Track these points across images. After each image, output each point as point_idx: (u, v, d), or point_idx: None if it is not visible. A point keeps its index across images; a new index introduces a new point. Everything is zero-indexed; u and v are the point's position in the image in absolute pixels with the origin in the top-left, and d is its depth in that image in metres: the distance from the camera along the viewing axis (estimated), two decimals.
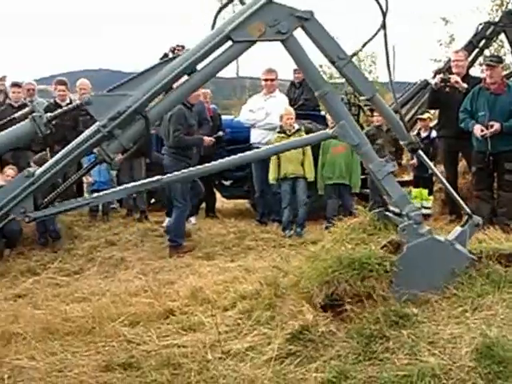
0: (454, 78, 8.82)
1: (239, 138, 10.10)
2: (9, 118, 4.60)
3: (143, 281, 6.59)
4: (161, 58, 12.75)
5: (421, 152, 4.96)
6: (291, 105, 10.11)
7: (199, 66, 4.44)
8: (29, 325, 5.17)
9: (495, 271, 4.27)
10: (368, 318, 3.91)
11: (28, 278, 7.26)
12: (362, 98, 4.76)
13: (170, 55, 12.75)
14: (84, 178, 10.62)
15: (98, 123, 4.31)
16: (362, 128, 9.07)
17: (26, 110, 4.49)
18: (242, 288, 5.30)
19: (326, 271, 4.28)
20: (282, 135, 9.03)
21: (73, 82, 11.07)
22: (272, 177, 9.14)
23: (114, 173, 10.50)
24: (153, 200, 11.34)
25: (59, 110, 4.50)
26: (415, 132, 10.08)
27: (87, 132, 4.38)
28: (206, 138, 9.43)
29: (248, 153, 5.26)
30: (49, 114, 4.33)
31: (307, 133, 8.88)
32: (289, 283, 4.87)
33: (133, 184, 4.76)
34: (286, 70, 10.72)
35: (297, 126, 9.15)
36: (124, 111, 4.28)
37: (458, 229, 4.72)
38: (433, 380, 3.26)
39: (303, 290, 4.45)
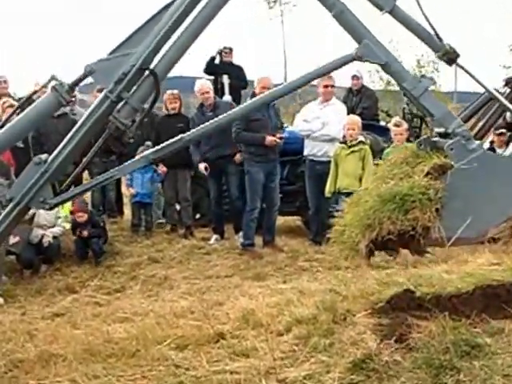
0: None
1: (292, 150, 10.11)
2: (28, 95, 4.73)
3: (189, 301, 6.69)
4: (208, 62, 12.97)
5: (459, 62, 4.70)
6: (348, 114, 10.05)
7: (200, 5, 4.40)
8: (68, 345, 5.30)
9: None
10: (436, 347, 3.90)
11: (66, 296, 7.48)
12: (381, 12, 4.53)
13: (218, 59, 12.97)
14: (126, 190, 10.91)
15: (105, 90, 4.36)
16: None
17: (45, 81, 4.61)
18: (298, 312, 5.27)
19: (367, 214, 4.32)
20: (343, 146, 9.08)
21: None
22: (328, 190, 9.16)
23: (159, 185, 10.72)
24: (198, 215, 11.47)
25: (78, 77, 4.53)
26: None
27: (95, 102, 4.43)
28: (269, 138, 9.30)
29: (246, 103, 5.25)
30: (70, 82, 4.42)
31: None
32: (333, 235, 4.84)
33: (153, 149, 4.76)
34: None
35: (361, 138, 9.12)
36: (129, 71, 4.31)
37: None
38: None
39: (348, 240, 4.49)
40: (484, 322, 4.15)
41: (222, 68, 12.64)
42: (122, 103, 4.36)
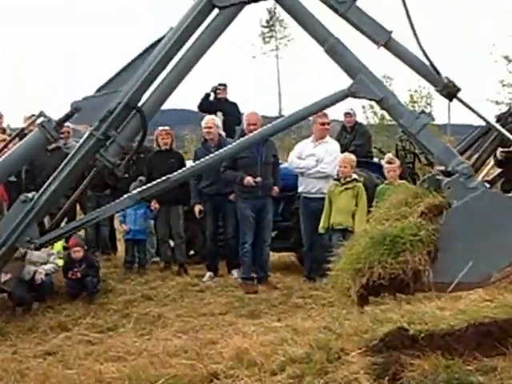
0: None
1: (283, 187, 10.13)
2: (18, 131, 4.78)
3: (183, 340, 6.69)
4: (202, 99, 13.12)
5: (460, 97, 4.55)
6: (341, 151, 10.16)
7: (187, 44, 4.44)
8: None
9: None
10: None
11: (58, 334, 7.44)
12: (376, 45, 4.45)
13: (212, 96, 13.12)
14: (119, 226, 10.94)
15: (90, 128, 4.40)
16: (418, 177, 9.12)
17: (34, 117, 4.63)
18: (292, 351, 5.33)
19: (358, 257, 4.25)
20: (337, 183, 9.19)
21: None
22: (322, 226, 9.23)
23: (151, 221, 10.76)
24: (192, 252, 11.51)
25: (64, 114, 4.55)
26: None
27: (81, 140, 4.47)
28: (247, 179, 9.36)
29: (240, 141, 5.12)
30: (57, 118, 4.46)
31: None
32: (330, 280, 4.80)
33: (139, 189, 4.76)
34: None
35: (354, 175, 9.23)
36: (114, 109, 4.34)
37: None
38: None
39: (342, 286, 4.43)
40: (477, 360, 4.18)
41: (216, 105, 12.79)
42: (109, 141, 4.40)
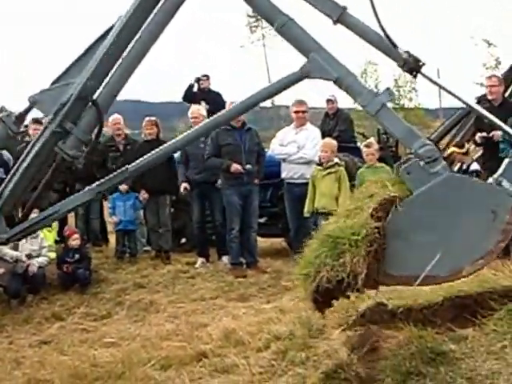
0: (498, 136, 8.89)
1: (271, 173, 10.33)
2: None
3: (174, 324, 6.88)
4: (186, 89, 13.27)
5: (424, 72, 4.16)
6: (325, 137, 10.31)
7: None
8: (55, 371, 5.49)
9: None
10: (404, 355, 4.12)
11: (53, 324, 7.60)
12: (331, 20, 4.18)
13: (196, 86, 13.28)
14: (109, 218, 11.08)
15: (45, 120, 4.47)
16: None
17: None
18: (276, 329, 5.54)
19: (307, 261, 4.07)
20: (319, 167, 9.36)
21: None
22: (307, 210, 9.38)
23: (141, 212, 10.90)
24: (183, 240, 11.69)
25: (24, 108, 4.61)
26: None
27: (39, 132, 4.50)
28: (234, 166, 9.50)
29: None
30: (17, 112, 4.54)
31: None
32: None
33: (99, 182, 4.68)
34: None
35: (336, 160, 9.38)
36: (67, 101, 4.35)
37: (505, 161, 4.04)
38: None
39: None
40: (450, 331, 4.35)
41: (200, 95, 12.97)
42: (68, 134, 4.40)
